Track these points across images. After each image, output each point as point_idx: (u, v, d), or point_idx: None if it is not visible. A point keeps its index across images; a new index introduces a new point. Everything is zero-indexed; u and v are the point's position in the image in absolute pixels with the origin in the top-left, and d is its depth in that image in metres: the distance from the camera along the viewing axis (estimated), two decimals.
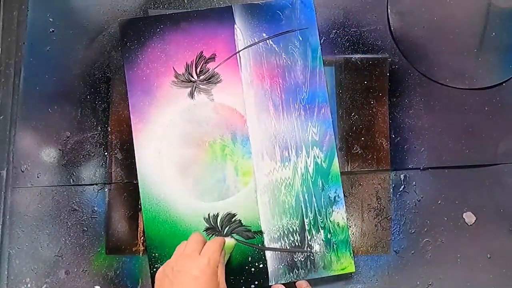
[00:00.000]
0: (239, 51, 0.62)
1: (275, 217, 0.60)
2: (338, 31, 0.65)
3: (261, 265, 0.59)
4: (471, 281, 0.61)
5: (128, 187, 0.62)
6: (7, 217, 0.62)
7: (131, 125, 0.62)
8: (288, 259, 0.59)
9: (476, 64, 0.65)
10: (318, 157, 0.61)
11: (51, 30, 0.65)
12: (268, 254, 0.59)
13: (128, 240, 0.62)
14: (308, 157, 0.61)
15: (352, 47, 0.65)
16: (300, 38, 0.63)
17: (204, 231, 0.60)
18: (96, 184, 0.62)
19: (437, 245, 0.62)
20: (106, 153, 0.63)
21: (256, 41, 0.62)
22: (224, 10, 0.63)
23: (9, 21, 0.66)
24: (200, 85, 0.62)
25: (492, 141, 0.64)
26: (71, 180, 0.62)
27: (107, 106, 0.64)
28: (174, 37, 0.63)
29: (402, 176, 0.63)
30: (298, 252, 0.59)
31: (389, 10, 0.66)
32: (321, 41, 0.64)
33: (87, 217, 0.62)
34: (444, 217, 0.63)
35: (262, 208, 0.60)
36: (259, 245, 0.60)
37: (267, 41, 0.63)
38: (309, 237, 0.60)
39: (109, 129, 0.63)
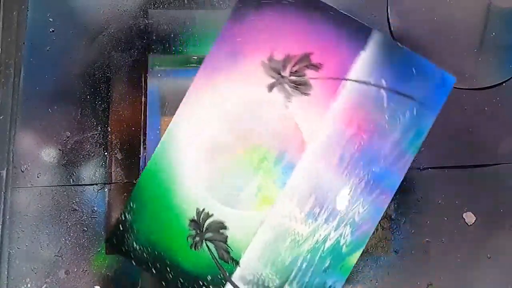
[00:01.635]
0: (348, 79, 0.53)
1: (260, 260, 0.53)
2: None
3: None
4: (471, 281, 0.61)
5: (128, 187, 0.62)
6: (7, 217, 0.62)
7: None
8: None
9: (476, 64, 0.65)
10: (344, 237, 0.53)
11: (51, 30, 0.65)
12: (227, 287, 0.54)
13: None
14: (334, 230, 0.53)
15: None
16: (415, 112, 0.53)
17: (190, 221, 0.55)
18: (96, 184, 0.62)
19: (437, 245, 0.62)
20: (106, 153, 0.63)
21: (372, 82, 0.53)
22: (363, 28, 0.54)
23: (9, 21, 0.66)
24: (285, 85, 0.54)
25: (492, 141, 0.64)
26: (71, 180, 0.62)
27: (107, 106, 0.64)
28: (294, 21, 0.54)
29: None
30: None
31: (389, 10, 0.66)
32: None
33: (87, 217, 0.62)
34: (444, 217, 0.63)
35: (255, 244, 0.53)
36: (227, 273, 0.54)
37: (382, 89, 0.53)
38: None
39: (109, 129, 0.63)
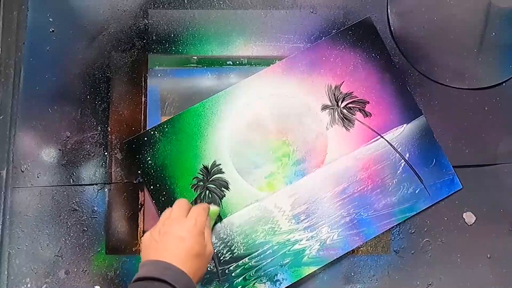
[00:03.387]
0: (383, 137, 0.62)
1: (238, 228, 0.60)
2: (338, 31, 0.65)
3: None
4: (471, 281, 0.61)
5: (128, 187, 0.62)
6: (7, 217, 0.62)
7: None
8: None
9: (476, 64, 0.65)
10: (311, 249, 0.60)
11: (51, 30, 0.65)
12: None
13: (128, 240, 0.62)
14: (306, 240, 0.60)
15: None
16: (417, 192, 0.61)
17: (203, 166, 0.61)
18: (96, 184, 0.62)
19: (437, 245, 0.62)
20: (106, 153, 0.63)
21: (399, 149, 0.62)
22: (416, 108, 0.63)
23: (9, 21, 0.66)
24: (336, 113, 0.62)
25: (492, 141, 0.64)
26: (71, 180, 0.62)
27: (107, 106, 0.64)
28: (371, 72, 0.63)
29: None
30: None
31: (389, 10, 0.66)
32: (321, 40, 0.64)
33: (87, 217, 0.62)
34: (444, 217, 0.63)
35: (242, 213, 0.61)
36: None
37: (402, 159, 0.62)
38: (222, 277, 0.59)
39: (109, 129, 0.63)
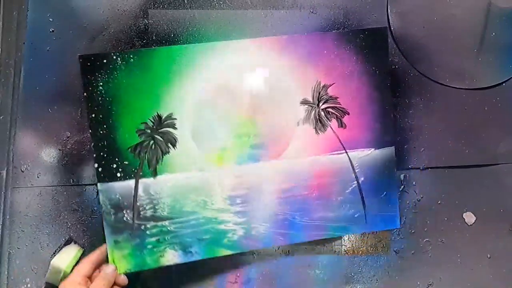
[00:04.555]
0: (348, 153, 0.60)
1: (170, 190, 0.58)
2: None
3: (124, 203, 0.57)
4: (471, 281, 0.62)
5: None
6: (7, 217, 0.62)
7: None
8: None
9: (476, 64, 0.65)
10: (234, 233, 0.59)
11: (51, 30, 0.65)
12: (130, 181, 0.58)
13: None
14: (234, 224, 0.58)
15: None
16: (356, 216, 0.60)
17: (157, 113, 0.57)
18: (96, 184, 0.62)
19: (437, 245, 0.62)
20: None
21: (356, 170, 0.61)
22: (392, 135, 0.62)
23: (9, 21, 0.66)
24: (313, 112, 0.60)
25: (492, 141, 0.64)
26: (71, 180, 0.62)
27: None
28: (365, 86, 0.61)
29: (402, 176, 0.63)
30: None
31: (389, 10, 0.66)
32: None
33: (87, 217, 0.62)
34: (444, 217, 0.63)
35: (179, 177, 0.57)
36: (141, 173, 0.57)
37: (356, 180, 0.61)
38: (135, 231, 0.57)
39: None
